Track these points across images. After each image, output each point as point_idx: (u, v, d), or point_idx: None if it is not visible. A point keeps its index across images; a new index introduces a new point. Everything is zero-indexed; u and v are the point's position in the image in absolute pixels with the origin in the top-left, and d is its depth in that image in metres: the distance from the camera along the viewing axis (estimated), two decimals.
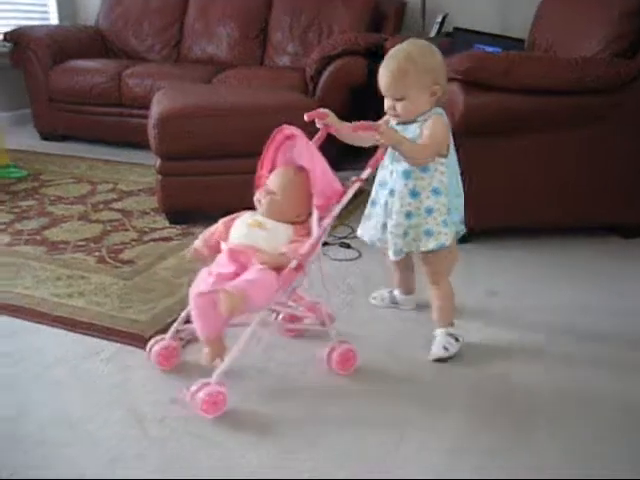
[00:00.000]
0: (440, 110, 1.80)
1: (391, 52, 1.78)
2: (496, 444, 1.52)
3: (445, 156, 1.81)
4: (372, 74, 3.62)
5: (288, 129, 1.75)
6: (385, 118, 1.88)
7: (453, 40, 3.37)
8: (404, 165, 1.80)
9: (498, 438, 1.54)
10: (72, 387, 1.74)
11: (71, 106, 4.38)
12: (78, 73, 4.33)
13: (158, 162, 2.86)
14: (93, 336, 1.98)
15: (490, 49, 3.15)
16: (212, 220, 1.84)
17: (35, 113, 4.56)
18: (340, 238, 2.81)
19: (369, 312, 2.18)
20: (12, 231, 2.83)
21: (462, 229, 1.96)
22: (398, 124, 1.82)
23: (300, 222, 1.74)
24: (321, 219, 1.69)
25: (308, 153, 1.70)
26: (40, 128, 4.57)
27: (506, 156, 2.58)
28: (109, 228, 2.89)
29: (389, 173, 1.87)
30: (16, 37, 4.45)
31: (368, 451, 1.50)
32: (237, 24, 4.60)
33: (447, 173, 1.82)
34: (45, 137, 4.56)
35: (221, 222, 1.79)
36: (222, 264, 1.68)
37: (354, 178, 1.73)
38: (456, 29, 3.57)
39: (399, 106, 1.76)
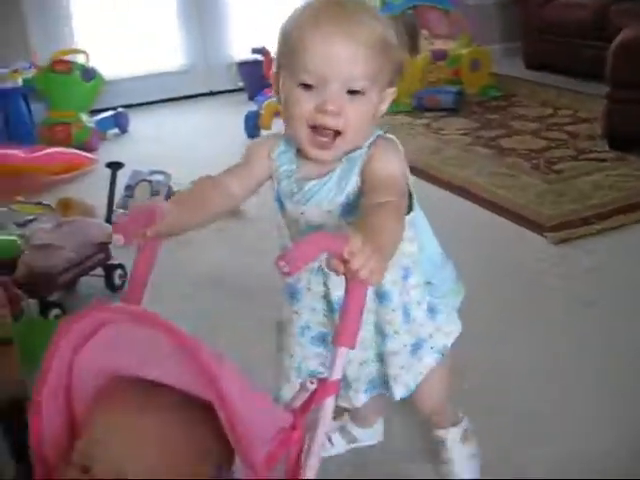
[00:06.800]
0: (379, 132, 1.04)
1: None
2: None
3: (408, 211, 1.01)
4: None
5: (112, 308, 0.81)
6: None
7: None
8: None
9: None
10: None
11: (556, 38, 4.76)
12: (567, 7, 4.66)
13: (608, 89, 3.10)
14: (502, 216, 2.50)
15: None
16: None
17: (524, 45, 5.08)
18: None
19: None
20: (474, 135, 3.47)
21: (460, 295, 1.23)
22: (299, 179, 1.04)
23: None
24: None
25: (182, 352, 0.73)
26: (526, 58, 5.09)
27: None
28: (553, 145, 3.27)
29: (321, 290, 1.09)
30: None
31: None
32: None
33: (420, 236, 1.10)
34: (528, 66, 5.06)
35: None
36: None
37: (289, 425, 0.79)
38: None
39: (352, 110, 0.94)
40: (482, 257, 2.19)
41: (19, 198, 2.54)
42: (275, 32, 1.00)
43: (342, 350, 0.80)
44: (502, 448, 1.41)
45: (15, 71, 3.71)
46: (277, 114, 3.70)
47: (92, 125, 3.64)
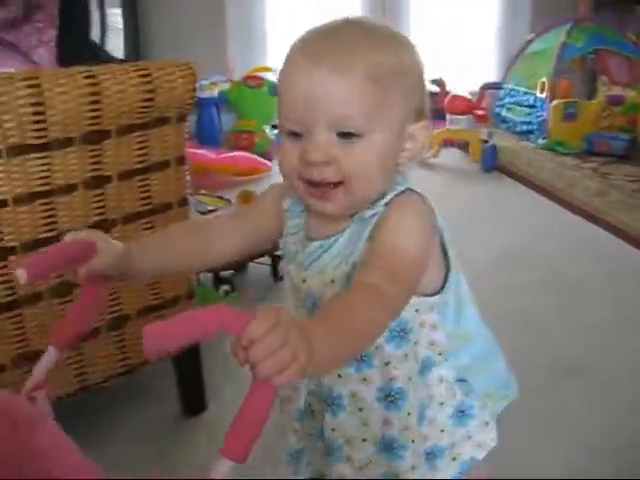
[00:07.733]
0: (407, 184, 0.81)
1: (325, 28, 0.79)
2: None
3: (436, 292, 0.83)
4: None
5: None
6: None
7: None
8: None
9: None
10: None
11: None
12: None
13: None
14: None
15: None
16: None
17: None
18: None
19: None
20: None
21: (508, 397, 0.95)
22: (305, 240, 0.84)
23: None
24: None
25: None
26: None
27: None
28: None
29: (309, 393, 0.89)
30: None
31: None
32: None
33: (465, 323, 0.87)
34: None
35: None
36: None
37: None
38: None
39: (347, 156, 0.75)
40: (629, 300, 2.21)
41: (203, 191, 2.87)
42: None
43: (225, 464, 0.55)
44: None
45: (213, 83, 4.15)
46: (447, 143, 3.89)
47: (272, 137, 3.97)
